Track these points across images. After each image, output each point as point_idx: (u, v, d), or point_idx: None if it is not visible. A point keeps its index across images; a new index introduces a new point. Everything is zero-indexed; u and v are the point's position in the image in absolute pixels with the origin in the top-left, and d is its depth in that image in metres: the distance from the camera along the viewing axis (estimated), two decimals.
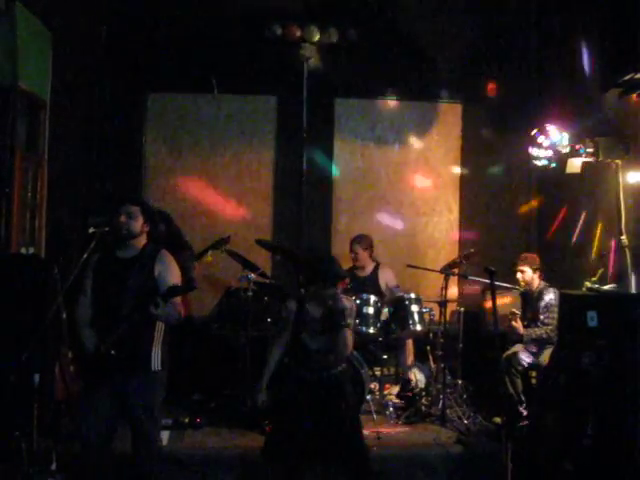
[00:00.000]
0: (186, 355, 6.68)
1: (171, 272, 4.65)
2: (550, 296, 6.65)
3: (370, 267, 7.58)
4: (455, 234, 8.85)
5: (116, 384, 4.50)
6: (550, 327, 6.51)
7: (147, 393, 4.56)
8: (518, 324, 6.67)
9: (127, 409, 4.56)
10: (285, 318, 5.05)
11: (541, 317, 6.64)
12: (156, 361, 4.58)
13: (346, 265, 7.44)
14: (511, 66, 8.39)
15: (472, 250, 7.28)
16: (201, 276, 7.61)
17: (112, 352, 4.40)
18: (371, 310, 6.78)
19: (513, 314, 6.70)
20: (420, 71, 8.42)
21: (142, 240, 4.70)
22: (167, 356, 4.67)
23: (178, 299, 4.55)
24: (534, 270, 6.82)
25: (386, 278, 7.56)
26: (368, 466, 4.99)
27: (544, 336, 6.53)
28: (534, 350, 6.64)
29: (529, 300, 6.90)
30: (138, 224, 4.66)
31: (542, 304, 6.67)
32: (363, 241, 7.52)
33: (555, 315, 6.47)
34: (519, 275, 6.84)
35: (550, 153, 6.31)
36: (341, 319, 4.91)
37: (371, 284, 7.40)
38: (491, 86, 8.56)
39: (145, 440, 4.63)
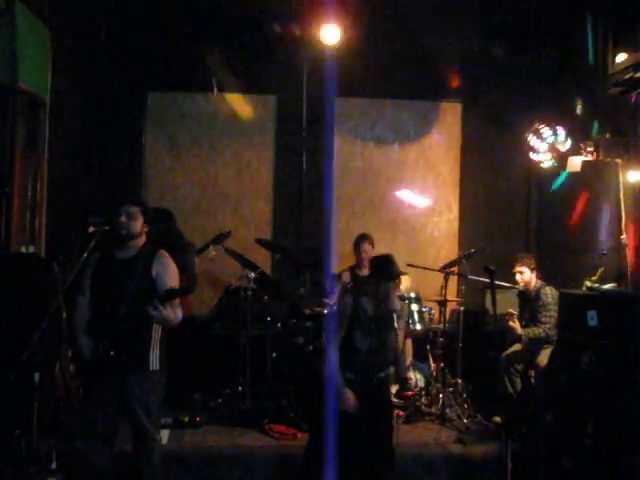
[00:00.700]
0: (186, 354, 6.68)
1: (168, 273, 4.65)
2: (547, 295, 6.65)
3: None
4: (455, 233, 8.85)
5: (115, 384, 4.51)
6: (548, 326, 6.50)
7: (146, 393, 4.56)
8: (516, 324, 6.67)
9: (126, 409, 4.57)
10: (342, 313, 4.93)
11: (539, 316, 6.64)
12: (154, 361, 4.59)
13: (346, 264, 7.47)
14: (511, 65, 8.39)
15: (473, 250, 7.28)
16: (201, 275, 7.61)
17: (111, 352, 4.42)
18: None
19: (510, 314, 6.71)
20: (420, 71, 8.42)
21: (141, 240, 4.71)
22: (165, 356, 4.68)
23: (176, 301, 4.56)
24: (532, 270, 6.82)
25: None
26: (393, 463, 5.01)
27: (542, 335, 6.52)
28: (532, 349, 6.64)
29: (527, 300, 6.90)
30: (138, 224, 4.66)
31: (540, 303, 6.67)
32: (370, 240, 7.50)
33: (553, 313, 6.48)
34: (518, 277, 6.84)
35: (550, 152, 6.32)
36: (392, 320, 4.91)
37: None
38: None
39: (145, 439, 4.63)
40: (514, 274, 6.86)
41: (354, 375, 4.86)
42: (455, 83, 8.57)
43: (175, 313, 4.55)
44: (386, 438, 4.96)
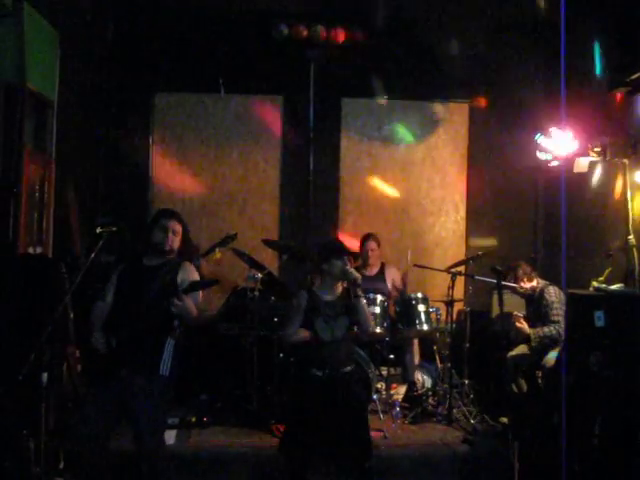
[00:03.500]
0: (193, 355, 6.68)
1: (192, 278, 4.72)
2: (551, 294, 6.63)
3: (377, 266, 7.57)
4: (462, 234, 8.84)
5: (122, 384, 4.51)
6: (560, 324, 6.45)
7: (153, 397, 4.56)
8: (523, 324, 6.66)
9: (132, 410, 4.56)
10: (296, 307, 5.13)
11: (549, 316, 6.61)
12: (165, 366, 4.60)
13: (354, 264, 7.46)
14: (517, 65, 8.38)
15: (480, 253, 7.29)
16: (208, 275, 7.61)
17: (124, 349, 4.44)
18: (378, 309, 6.77)
19: (516, 316, 6.71)
20: (427, 71, 8.41)
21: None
22: (177, 365, 4.70)
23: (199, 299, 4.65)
24: (531, 278, 6.81)
25: (393, 277, 7.56)
26: (372, 466, 5.00)
27: (554, 333, 6.46)
28: (539, 350, 6.62)
29: (531, 300, 6.89)
30: (179, 240, 4.82)
31: (544, 303, 6.65)
32: (376, 238, 7.52)
33: (560, 312, 6.45)
34: (522, 290, 6.84)
35: (557, 152, 6.30)
36: (355, 290, 5.02)
37: (378, 283, 7.39)
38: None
39: (143, 444, 4.61)
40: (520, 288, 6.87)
41: (319, 371, 4.94)
42: (462, 83, 8.54)
43: (196, 308, 4.61)
44: (358, 438, 4.96)
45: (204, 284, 4.63)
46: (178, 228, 4.81)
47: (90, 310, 4.79)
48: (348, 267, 5.09)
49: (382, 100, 8.63)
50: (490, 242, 8.56)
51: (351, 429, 4.90)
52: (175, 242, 4.79)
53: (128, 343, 4.46)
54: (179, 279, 4.69)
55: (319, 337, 5.01)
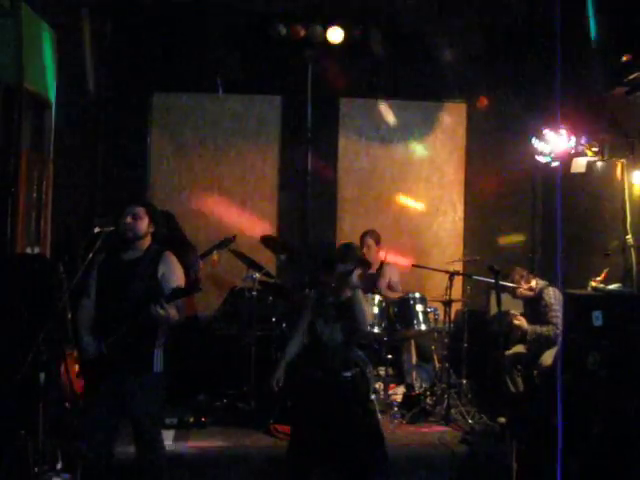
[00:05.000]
0: (191, 354, 6.69)
1: (174, 274, 4.64)
2: (550, 295, 6.64)
3: (377, 264, 7.55)
4: (460, 233, 8.84)
5: (118, 385, 4.51)
6: (558, 326, 6.46)
7: (149, 395, 4.57)
8: (520, 321, 6.69)
9: (129, 411, 4.57)
10: (305, 306, 5.12)
11: (547, 317, 6.62)
12: (158, 363, 4.59)
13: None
14: (516, 65, 8.38)
15: (477, 258, 7.32)
16: (206, 276, 7.62)
17: (114, 353, 4.42)
18: (376, 310, 6.77)
19: (513, 315, 6.71)
20: (425, 71, 8.41)
21: (146, 241, 4.70)
22: (168, 358, 4.68)
23: (181, 301, 4.57)
24: (527, 280, 6.81)
25: (391, 274, 7.57)
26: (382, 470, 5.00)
27: (550, 334, 6.48)
28: (535, 349, 6.63)
29: (529, 300, 6.90)
30: (144, 225, 4.65)
31: (543, 303, 6.66)
32: (374, 234, 7.52)
33: (558, 314, 6.46)
34: (521, 292, 6.85)
35: (555, 152, 6.31)
36: (354, 305, 4.96)
37: (371, 281, 7.37)
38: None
39: (148, 442, 4.63)
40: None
41: (320, 373, 4.94)
42: (459, 83, 8.54)
43: (178, 313, 4.55)
44: (366, 444, 4.94)
45: (186, 291, 4.50)
46: (139, 211, 4.63)
47: (77, 308, 4.76)
48: (352, 272, 5.00)
49: (383, 103, 8.63)
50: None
51: (355, 433, 4.89)
52: (138, 226, 4.61)
53: (117, 347, 4.42)
54: (159, 273, 4.58)
55: (318, 336, 4.98)
